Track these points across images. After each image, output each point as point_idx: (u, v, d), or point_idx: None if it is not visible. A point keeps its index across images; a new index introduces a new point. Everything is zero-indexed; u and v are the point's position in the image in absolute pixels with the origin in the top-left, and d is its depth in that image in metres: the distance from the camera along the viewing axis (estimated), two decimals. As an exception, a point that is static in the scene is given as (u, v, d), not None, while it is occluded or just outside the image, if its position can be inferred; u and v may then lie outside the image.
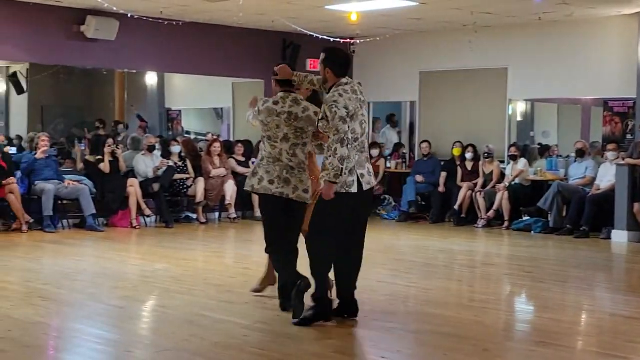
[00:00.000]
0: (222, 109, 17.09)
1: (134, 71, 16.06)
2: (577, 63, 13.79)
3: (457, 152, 14.70)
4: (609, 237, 12.33)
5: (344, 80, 6.45)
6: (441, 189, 14.52)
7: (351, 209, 6.45)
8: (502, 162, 14.35)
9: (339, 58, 6.58)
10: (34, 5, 12.80)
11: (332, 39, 14.84)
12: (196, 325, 6.51)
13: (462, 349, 5.89)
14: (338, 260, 6.57)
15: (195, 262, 10.21)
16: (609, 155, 12.81)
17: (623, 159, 12.41)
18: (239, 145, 14.85)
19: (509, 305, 8.14)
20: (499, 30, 14.43)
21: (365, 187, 6.39)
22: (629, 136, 13.33)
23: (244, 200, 14.26)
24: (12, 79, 16.98)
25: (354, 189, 6.31)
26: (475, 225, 13.83)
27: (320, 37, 14.56)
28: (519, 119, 15.40)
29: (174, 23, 13.86)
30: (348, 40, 15.54)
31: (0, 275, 8.72)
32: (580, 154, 13.38)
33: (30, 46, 13.15)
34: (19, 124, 17.28)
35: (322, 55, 6.59)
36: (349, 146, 6.15)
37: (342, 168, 6.11)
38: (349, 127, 6.16)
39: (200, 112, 18.28)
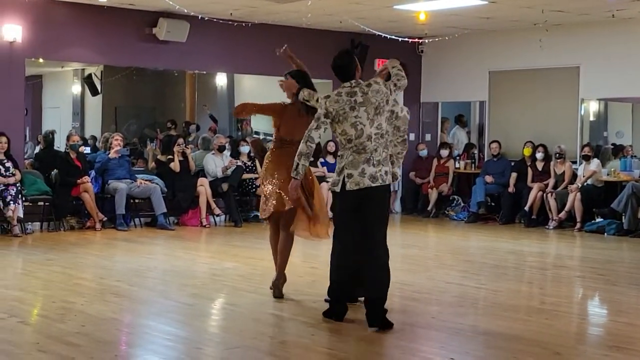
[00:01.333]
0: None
1: (204, 72, 16.23)
2: (649, 60, 13.51)
3: (527, 152, 14.51)
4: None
5: (346, 84, 6.67)
6: (511, 189, 14.36)
7: (350, 209, 6.43)
8: (574, 162, 14.12)
9: (334, 67, 6.87)
10: (107, 8, 13.04)
11: (400, 39, 14.79)
12: (264, 324, 6.55)
13: (532, 352, 5.81)
14: (357, 263, 6.51)
15: (264, 260, 10.22)
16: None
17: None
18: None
19: (581, 309, 8.00)
20: (571, 29, 14.20)
21: (350, 187, 6.35)
22: None
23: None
24: (87, 80, 17.32)
25: (337, 189, 6.42)
26: (546, 227, 13.63)
27: (389, 36, 14.52)
28: (591, 118, 15.14)
29: (244, 24, 13.96)
30: (417, 39, 15.48)
31: (75, 272, 8.91)
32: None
33: (104, 49, 13.40)
34: (93, 125, 17.62)
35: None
36: (308, 143, 6.39)
37: (297, 163, 6.40)
38: (320, 127, 6.44)
39: (270, 113, 18.33)
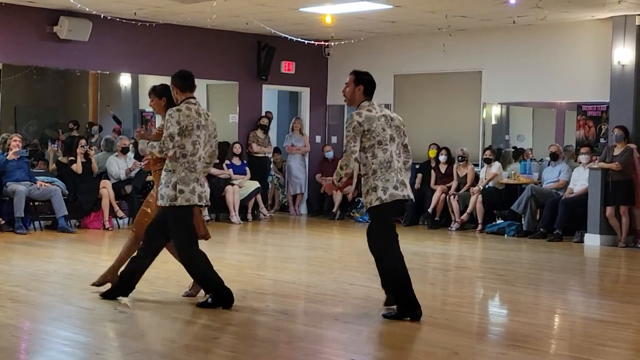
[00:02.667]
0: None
1: (107, 72, 15.95)
2: (551, 67, 13.85)
3: (432, 154, 14.72)
4: (581, 241, 12.41)
5: (192, 99, 7.21)
6: (416, 186, 14.51)
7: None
8: (476, 165, 14.39)
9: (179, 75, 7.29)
10: (6, 5, 12.70)
11: (306, 42, 14.83)
12: (166, 328, 6.48)
13: (432, 352, 5.89)
14: None
15: (167, 264, 10.05)
16: (582, 158, 12.89)
17: (596, 163, 12.49)
18: (213, 147, 14.77)
19: (481, 309, 8.14)
20: (474, 34, 14.47)
21: (181, 203, 6.99)
22: (602, 140, 13.41)
23: (217, 202, 14.23)
24: (-16, 79, 16.80)
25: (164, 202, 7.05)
26: (449, 228, 13.86)
27: (295, 39, 14.54)
28: (493, 122, 15.45)
29: (148, 24, 13.79)
30: (323, 42, 15.53)
31: (-30, 277, 8.63)
32: (554, 157, 13.45)
33: (2, 47, 13.06)
34: (-10, 125, 17.11)
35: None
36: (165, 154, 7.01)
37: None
38: (174, 140, 6.95)
39: (175, 114, 18.14)
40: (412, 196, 7.01)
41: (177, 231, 7.09)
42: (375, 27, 14.32)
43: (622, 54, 12.57)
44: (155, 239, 7.30)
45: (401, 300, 6.80)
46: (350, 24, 13.91)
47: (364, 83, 7.10)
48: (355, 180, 15.35)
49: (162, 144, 6.93)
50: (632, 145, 12.20)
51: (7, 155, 12.51)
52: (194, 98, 7.23)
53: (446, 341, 6.16)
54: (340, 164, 6.82)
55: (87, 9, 12.54)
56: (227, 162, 14.87)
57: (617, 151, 12.26)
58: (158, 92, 7.54)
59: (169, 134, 6.92)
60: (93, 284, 7.85)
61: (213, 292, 7.11)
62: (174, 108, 7.06)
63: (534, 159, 14.55)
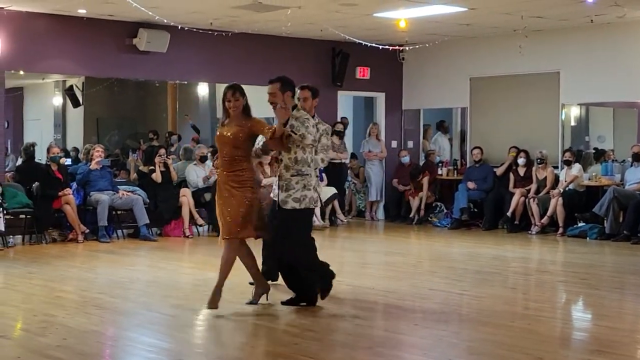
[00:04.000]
0: (273, 118, 17.11)
1: (185, 82, 16.19)
2: (630, 65, 13.56)
3: (512, 156, 14.58)
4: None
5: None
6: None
7: None
8: (556, 167, 14.17)
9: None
10: (87, 19, 13.01)
11: (380, 47, 14.82)
12: (247, 333, 6.54)
13: (515, 357, 5.82)
14: None
15: (246, 270, 10.22)
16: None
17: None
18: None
19: (564, 314, 8.02)
20: (550, 34, 14.27)
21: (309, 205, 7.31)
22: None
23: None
24: (69, 92, 17.22)
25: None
26: (529, 232, 13.67)
27: (369, 44, 14.54)
28: (572, 123, 15.20)
29: (224, 34, 13.96)
30: (397, 47, 15.50)
31: (57, 285, 8.85)
32: (637, 158, 13.16)
33: (84, 60, 13.38)
34: (75, 137, 17.51)
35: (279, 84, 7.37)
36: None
37: None
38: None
39: (253, 122, 18.31)
40: None
41: (296, 232, 7.28)
42: (449, 30, 14.24)
43: None
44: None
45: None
46: (424, 27, 13.86)
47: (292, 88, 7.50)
48: (426, 185, 15.26)
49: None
50: None
51: (90, 165, 12.80)
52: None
53: (528, 346, 6.08)
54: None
55: (165, 21, 12.76)
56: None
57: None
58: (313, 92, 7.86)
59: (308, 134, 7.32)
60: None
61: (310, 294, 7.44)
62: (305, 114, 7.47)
63: (616, 160, 14.26)
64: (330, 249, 12.90)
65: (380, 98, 16.71)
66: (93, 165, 12.74)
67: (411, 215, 15.36)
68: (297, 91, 7.65)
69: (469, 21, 13.34)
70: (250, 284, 8.30)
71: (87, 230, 12.52)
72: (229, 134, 7.27)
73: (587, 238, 12.92)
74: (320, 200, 7.33)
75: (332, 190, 14.84)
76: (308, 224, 7.50)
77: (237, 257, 7.41)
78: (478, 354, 6.03)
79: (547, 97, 14.62)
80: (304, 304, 7.40)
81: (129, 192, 12.99)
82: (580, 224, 13.36)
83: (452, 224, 14.62)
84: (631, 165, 13.33)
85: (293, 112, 7.37)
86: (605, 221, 12.88)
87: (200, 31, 13.55)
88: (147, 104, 18.10)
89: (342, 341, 6.46)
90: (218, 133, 7.44)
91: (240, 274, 9.30)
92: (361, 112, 17.81)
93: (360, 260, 11.26)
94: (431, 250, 12.31)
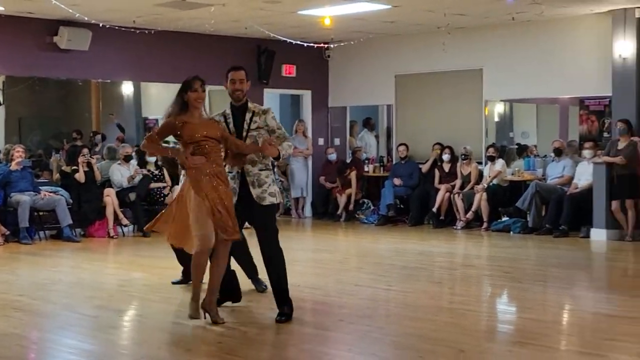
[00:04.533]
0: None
1: (109, 81, 15.96)
2: (552, 62, 13.80)
3: (436, 153, 14.71)
4: (587, 236, 12.34)
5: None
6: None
7: None
8: (480, 163, 14.34)
9: None
10: (6, 17, 12.71)
11: (306, 44, 14.81)
12: (170, 333, 6.46)
13: (438, 351, 5.87)
14: None
15: (172, 270, 10.07)
16: (586, 153, 12.85)
17: (600, 157, 12.45)
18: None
19: (488, 307, 8.11)
20: (473, 32, 14.44)
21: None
22: (605, 134, 13.37)
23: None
24: (-12, 92, 16.84)
25: None
26: (454, 227, 13.81)
27: (295, 42, 14.52)
28: (496, 119, 15.41)
29: (147, 32, 13.78)
30: (323, 44, 15.51)
31: (-25, 289, 8.62)
32: (558, 153, 13.41)
33: (4, 59, 13.07)
34: (-5, 137, 17.14)
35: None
36: None
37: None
38: None
39: (178, 121, 18.16)
40: None
41: (274, 225, 7.06)
42: (374, 27, 14.30)
43: (623, 47, 12.54)
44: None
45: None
46: (349, 25, 13.89)
47: None
48: (354, 182, 15.31)
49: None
50: (636, 139, 12.16)
51: (10, 166, 12.51)
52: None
53: (452, 339, 6.13)
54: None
55: (86, 18, 12.54)
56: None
57: (621, 145, 12.22)
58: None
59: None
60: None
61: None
62: None
63: (538, 155, 14.51)
64: (258, 247, 12.84)
65: (306, 95, 16.70)
66: (13, 166, 12.46)
67: (338, 212, 15.39)
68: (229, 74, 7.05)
69: (393, 18, 13.42)
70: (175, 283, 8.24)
71: (8, 232, 12.23)
72: (212, 129, 6.70)
73: (511, 232, 13.11)
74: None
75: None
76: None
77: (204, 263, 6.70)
78: (403, 348, 6.05)
79: (471, 94, 14.79)
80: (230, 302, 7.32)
81: (51, 192, 12.74)
82: (504, 219, 13.56)
83: (378, 220, 14.70)
84: (552, 160, 13.57)
85: (250, 104, 6.95)
86: (528, 215, 13.10)
87: (123, 29, 13.34)
88: (70, 103, 17.79)
89: (267, 339, 6.43)
90: (184, 124, 6.63)
91: (163, 275, 9.22)
92: (288, 110, 17.80)
93: (287, 258, 11.14)
94: (358, 246, 12.36)
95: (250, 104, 6.97)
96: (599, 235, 12.21)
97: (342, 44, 15.44)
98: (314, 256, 11.34)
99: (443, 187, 14.17)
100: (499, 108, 15.44)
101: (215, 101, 16.31)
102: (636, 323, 6.88)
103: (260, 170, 6.84)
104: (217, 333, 6.38)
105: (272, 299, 6.94)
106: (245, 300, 7.54)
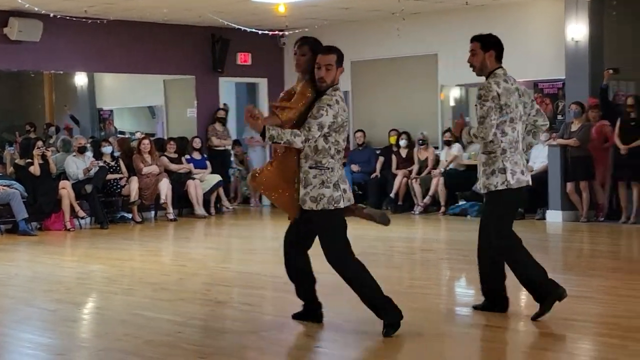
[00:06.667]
0: (154, 106, 16.89)
1: (62, 72, 15.78)
2: (506, 46, 13.59)
3: (393, 139, 14.74)
4: (544, 218, 12.49)
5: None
6: (377, 174, 14.58)
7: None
8: (437, 148, 14.42)
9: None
10: (-47, 8, 12.52)
11: (260, 32, 14.75)
12: (130, 325, 6.41)
13: (397, 334, 5.88)
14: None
15: (131, 261, 10.08)
16: (542, 136, 12.95)
17: (555, 140, 12.58)
18: (171, 142, 14.72)
19: (447, 290, 8.18)
20: (427, 17, 14.49)
21: (345, 204, 5.88)
22: (559, 117, 13.50)
23: (180, 198, 14.19)
24: (-62, 85, 16.57)
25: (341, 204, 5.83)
26: (412, 212, 13.89)
27: (249, 30, 14.46)
28: (452, 104, 15.49)
29: (99, 22, 13.63)
30: (278, 32, 15.47)
31: None
32: (513, 136, 13.49)
33: (-47, 51, 12.88)
34: (-52, 131, 16.88)
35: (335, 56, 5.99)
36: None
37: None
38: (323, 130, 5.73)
39: (134, 111, 18.04)
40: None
41: (334, 237, 5.98)
42: (329, 14, 14.29)
43: (575, 30, 12.66)
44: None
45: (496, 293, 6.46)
46: (303, 12, 13.86)
47: (494, 47, 6.35)
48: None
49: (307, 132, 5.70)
50: (605, 122, 12.24)
51: (-38, 160, 12.34)
52: None
53: (411, 323, 6.14)
54: (474, 133, 6.17)
55: (36, 9, 12.37)
56: (187, 156, 14.78)
57: (574, 127, 12.36)
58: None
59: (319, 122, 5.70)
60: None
61: (381, 306, 6.04)
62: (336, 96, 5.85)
63: (494, 139, 14.59)
64: (217, 236, 12.84)
65: (262, 84, 16.66)
66: (-35, 160, 12.29)
67: (298, 200, 15.37)
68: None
69: (348, 5, 13.42)
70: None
71: (-38, 227, 12.08)
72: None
73: (468, 216, 13.21)
74: (344, 199, 5.84)
75: (217, 178, 14.73)
76: (334, 228, 5.97)
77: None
78: (359, 332, 6.08)
79: (426, 79, 14.85)
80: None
81: (5, 186, 12.57)
82: (461, 202, 13.66)
83: (337, 207, 14.69)
84: (509, 144, 13.66)
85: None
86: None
87: (75, 19, 13.19)
88: (23, 95, 17.56)
89: (227, 328, 6.43)
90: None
91: (122, 267, 9.16)
92: (244, 99, 17.74)
93: (247, 247, 11.22)
94: (317, 233, 12.36)
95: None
96: (554, 217, 12.35)
97: (297, 31, 15.40)
98: (273, 244, 11.27)
99: (400, 173, 14.23)
100: (455, 93, 15.51)
101: (172, 91, 16.25)
102: (592, 302, 6.99)
103: (310, 167, 5.79)
104: (177, 323, 6.36)
105: (242, 293, 6.90)
106: (204, 291, 7.52)
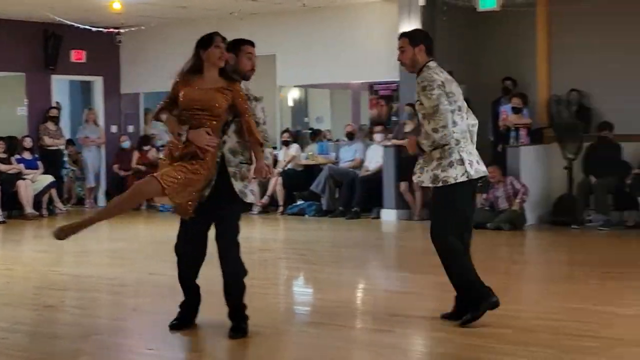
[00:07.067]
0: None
1: None
2: (343, 48, 14.10)
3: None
4: (378, 217, 12.74)
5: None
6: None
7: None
8: (275, 148, 14.45)
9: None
10: None
11: (94, 29, 14.37)
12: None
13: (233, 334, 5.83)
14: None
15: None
16: (377, 137, 13.24)
17: (389, 141, 12.86)
18: (0, 142, 14.12)
19: (285, 289, 8.20)
20: (265, 18, 14.50)
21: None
22: (394, 118, 13.82)
23: (9, 199, 13.63)
24: None
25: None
26: (251, 212, 13.85)
27: (83, 27, 14.06)
28: (291, 104, 15.58)
29: None
30: (113, 30, 15.09)
31: None
32: (350, 137, 13.74)
33: None
34: None
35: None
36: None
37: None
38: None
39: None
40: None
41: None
42: (166, 12, 14.09)
43: (409, 34, 12.96)
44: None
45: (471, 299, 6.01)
46: (140, 9, 13.60)
47: (424, 40, 6.06)
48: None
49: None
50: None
51: None
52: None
53: (250, 322, 6.11)
54: (434, 127, 5.82)
55: None
56: (17, 156, 14.21)
57: (408, 128, 12.65)
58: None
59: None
60: None
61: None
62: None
63: (331, 140, 14.81)
64: (48, 238, 12.36)
65: (97, 82, 16.25)
66: None
67: (136, 201, 15.06)
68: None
69: (185, 3, 13.27)
70: None
71: None
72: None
73: (306, 215, 13.33)
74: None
75: (49, 179, 14.24)
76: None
77: None
78: (200, 333, 6.00)
79: (265, 79, 14.83)
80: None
81: None
82: (299, 202, 13.76)
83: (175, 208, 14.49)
84: (345, 144, 13.89)
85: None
86: (322, 198, 13.35)
87: None
88: None
89: (57, 333, 6.19)
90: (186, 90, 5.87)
91: None
92: (78, 97, 17.25)
93: (81, 249, 10.85)
94: (155, 234, 12.15)
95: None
96: (389, 215, 12.62)
97: (133, 29, 15.11)
98: (109, 246, 11.05)
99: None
100: (294, 93, 15.62)
101: (4, 89, 15.60)
102: (423, 299, 7.17)
103: (242, 162, 5.91)
104: (2, 329, 6.08)
105: (74, 296, 6.68)
106: (32, 295, 7.24)
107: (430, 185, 6.02)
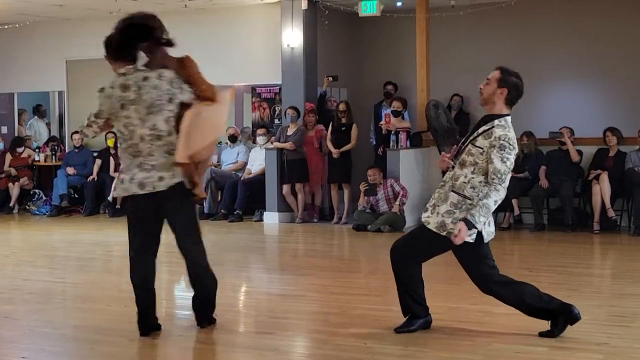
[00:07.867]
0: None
1: None
2: (225, 50, 14.01)
3: (111, 142, 14.37)
4: (261, 219, 12.71)
5: (122, 70, 5.90)
6: (94, 176, 14.18)
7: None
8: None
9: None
10: None
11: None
12: None
13: (110, 340, 5.75)
14: None
15: None
16: (259, 139, 13.21)
17: (272, 143, 12.85)
18: None
19: (166, 294, 8.04)
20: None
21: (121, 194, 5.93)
22: (276, 121, 13.82)
23: None
24: None
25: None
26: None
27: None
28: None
29: None
30: (-17, 26, 14.61)
31: None
32: (233, 139, 13.66)
33: None
34: None
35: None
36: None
37: None
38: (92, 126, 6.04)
39: None
40: None
41: None
42: (42, 10, 13.69)
43: (291, 37, 13.01)
44: None
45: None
46: (14, 7, 13.18)
47: (512, 89, 5.52)
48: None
49: None
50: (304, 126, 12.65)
51: None
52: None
53: (124, 328, 6.00)
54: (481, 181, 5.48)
55: None
56: None
57: (290, 131, 12.68)
58: None
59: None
60: None
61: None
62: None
63: (220, 143, 14.68)
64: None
65: (-31, 82, 15.69)
66: None
67: (11, 204, 14.58)
68: None
69: (61, 2, 12.92)
70: None
71: None
72: None
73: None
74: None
75: None
76: None
77: None
78: (73, 340, 5.87)
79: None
80: None
81: None
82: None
83: (51, 211, 14.14)
84: (227, 147, 13.81)
85: None
86: (204, 201, 13.21)
87: None
88: None
89: None
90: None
91: None
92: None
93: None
94: (29, 239, 11.80)
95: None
96: (271, 218, 12.61)
97: (7, 27, 14.64)
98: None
99: (117, 176, 13.90)
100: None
101: None
102: (303, 300, 7.18)
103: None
104: None
105: None
106: None
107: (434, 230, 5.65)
